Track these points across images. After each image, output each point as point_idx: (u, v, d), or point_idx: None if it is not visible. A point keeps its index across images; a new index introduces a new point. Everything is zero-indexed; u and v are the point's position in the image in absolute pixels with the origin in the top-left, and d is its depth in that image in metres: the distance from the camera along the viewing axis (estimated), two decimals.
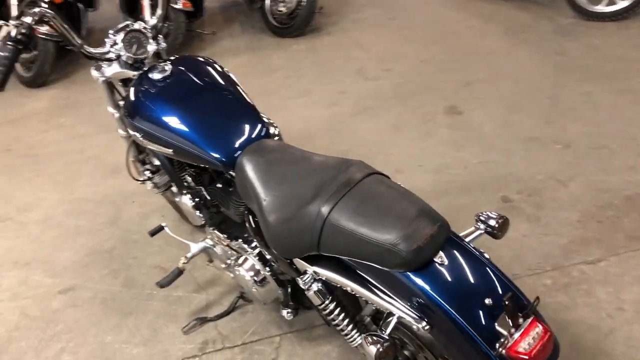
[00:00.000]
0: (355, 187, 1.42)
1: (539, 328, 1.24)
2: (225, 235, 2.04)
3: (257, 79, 4.35)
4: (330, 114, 3.68)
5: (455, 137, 3.23)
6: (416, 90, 3.83)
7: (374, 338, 1.32)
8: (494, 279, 1.31)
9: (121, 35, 1.88)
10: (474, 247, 1.39)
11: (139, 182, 2.37)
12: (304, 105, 3.84)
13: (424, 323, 1.29)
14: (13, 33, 1.59)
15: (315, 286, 1.56)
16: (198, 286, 2.40)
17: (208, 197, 2.06)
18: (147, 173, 2.33)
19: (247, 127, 1.78)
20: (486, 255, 1.38)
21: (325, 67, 4.41)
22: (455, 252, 1.33)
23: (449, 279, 1.29)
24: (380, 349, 1.29)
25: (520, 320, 1.24)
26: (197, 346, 2.13)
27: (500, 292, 1.29)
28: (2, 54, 1.58)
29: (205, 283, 2.41)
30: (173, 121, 1.78)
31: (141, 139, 1.89)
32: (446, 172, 2.93)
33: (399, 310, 1.34)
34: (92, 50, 1.87)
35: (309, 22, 5.04)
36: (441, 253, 1.31)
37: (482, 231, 1.46)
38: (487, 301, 1.26)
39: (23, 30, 1.61)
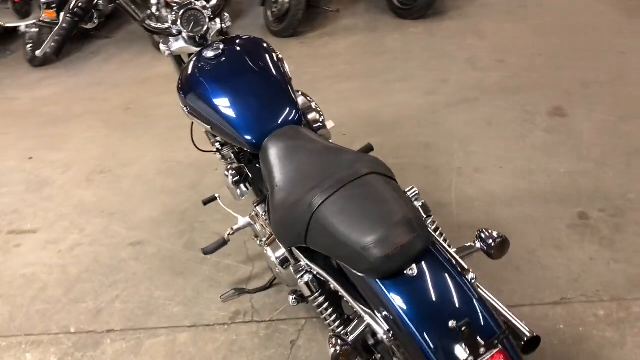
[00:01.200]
0: (350, 184, 1.38)
1: None
2: (264, 214, 2.09)
3: (364, 59, 4.33)
4: (425, 102, 3.56)
5: (550, 141, 2.98)
6: (524, 86, 3.57)
7: (337, 340, 1.30)
8: (465, 302, 1.22)
9: (180, 13, 1.97)
10: (459, 265, 1.31)
11: (204, 152, 2.49)
12: (402, 90, 3.76)
13: (390, 334, 1.25)
14: (72, 5, 1.75)
15: (307, 277, 1.56)
16: (247, 258, 2.50)
17: (250, 175, 2.12)
18: (217, 145, 2.44)
19: (279, 112, 1.80)
20: (470, 276, 1.29)
21: (436, 52, 4.26)
22: (430, 267, 1.26)
23: (416, 293, 1.23)
24: (338, 351, 1.27)
25: (482, 349, 1.15)
26: (229, 315, 2.23)
27: (468, 316, 1.20)
28: (62, 24, 1.75)
29: (255, 256, 2.50)
30: (213, 99, 1.85)
31: (187, 113, 1.99)
32: (527, 178, 2.72)
33: (368, 316, 1.30)
34: (153, 25, 1.99)
35: (432, 5, 4.88)
36: (414, 266, 1.25)
37: (478, 249, 1.37)
38: (451, 324, 1.18)
39: (80, 4, 1.76)
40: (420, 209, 1.56)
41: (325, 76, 4.16)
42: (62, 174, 3.42)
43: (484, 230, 1.39)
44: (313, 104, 2.06)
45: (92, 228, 2.88)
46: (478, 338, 1.15)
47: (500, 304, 1.30)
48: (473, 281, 1.29)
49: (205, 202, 2.44)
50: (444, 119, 3.34)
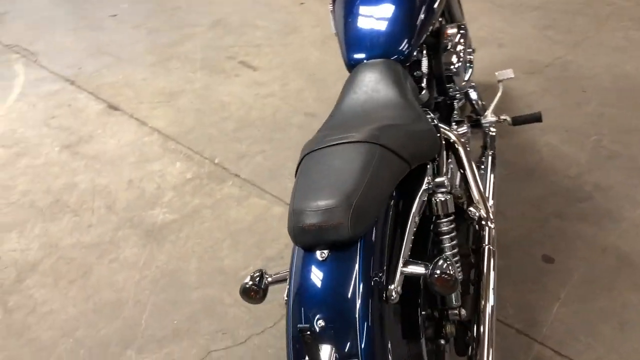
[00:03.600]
0: (350, 144, 1.30)
1: None
2: None
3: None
4: None
5: None
6: None
7: (257, 277, 1.31)
8: (344, 315, 1.11)
9: None
10: (392, 279, 1.18)
11: None
12: None
13: (285, 300, 1.23)
14: None
15: None
16: None
17: None
18: None
19: (388, 42, 1.70)
20: (393, 295, 1.15)
21: None
22: (343, 262, 1.16)
23: (312, 277, 1.16)
24: (247, 285, 1.29)
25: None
26: None
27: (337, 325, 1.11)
28: None
29: None
30: (346, 4, 1.81)
31: (331, 13, 1.97)
32: None
33: (288, 272, 1.28)
34: None
35: None
36: (327, 251, 1.16)
37: (423, 274, 1.18)
38: (321, 322, 1.11)
39: None
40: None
41: (630, 17, 3.42)
42: (311, 27, 3.68)
43: (443, 259, 1.17)
44: (460, 47, 1.84)
45: (292, 85, 3.13)
46: (320, 353, 1.07)
47: None
48: (392, 298, 1.16)
49: None
50: None
